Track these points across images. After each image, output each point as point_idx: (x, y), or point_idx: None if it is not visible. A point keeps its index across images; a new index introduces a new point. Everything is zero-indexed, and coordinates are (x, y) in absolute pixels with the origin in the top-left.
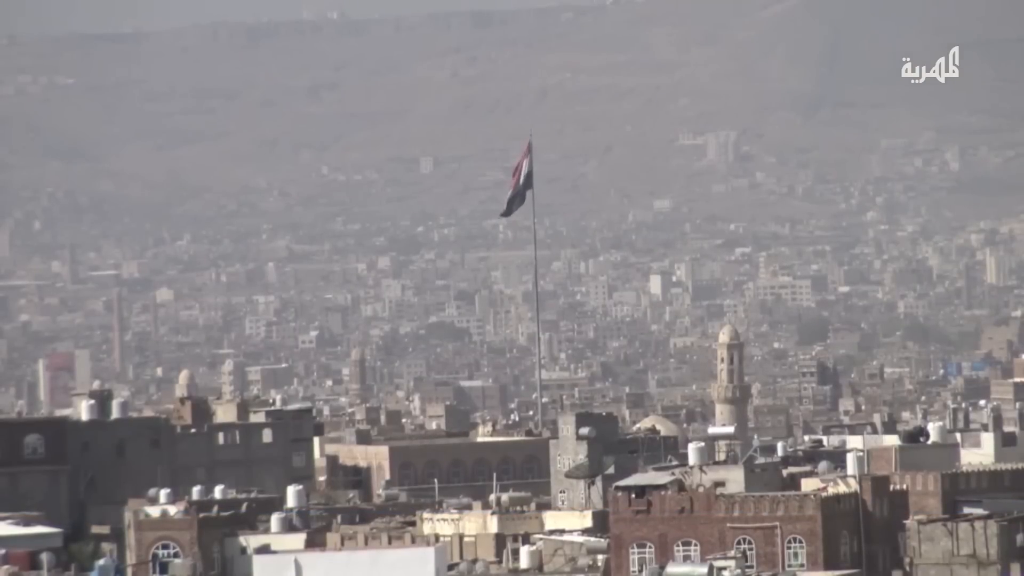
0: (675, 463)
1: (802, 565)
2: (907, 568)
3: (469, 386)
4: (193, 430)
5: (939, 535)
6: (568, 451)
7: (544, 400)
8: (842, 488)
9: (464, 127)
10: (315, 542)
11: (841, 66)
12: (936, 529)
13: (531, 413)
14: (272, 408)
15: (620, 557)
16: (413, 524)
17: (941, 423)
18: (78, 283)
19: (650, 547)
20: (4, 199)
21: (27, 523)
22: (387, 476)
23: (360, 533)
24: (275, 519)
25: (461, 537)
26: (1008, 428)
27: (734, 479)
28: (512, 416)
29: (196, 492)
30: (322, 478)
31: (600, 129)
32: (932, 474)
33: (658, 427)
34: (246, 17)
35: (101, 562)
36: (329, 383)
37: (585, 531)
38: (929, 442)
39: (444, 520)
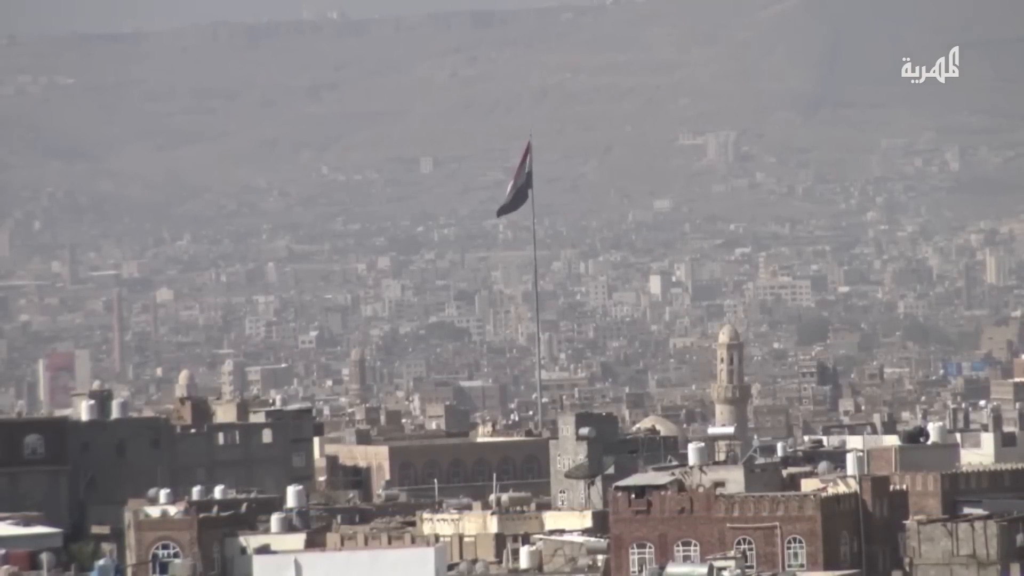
0: (675, 463)
1: (802, 565)
2: (907, 568)
3: (469, 386)
4: (193, 430)
5: (939, 535)
6: (568, 451)
7: (544, 400)
8: (842, 488)
9: (464, 127)
10: (315, 542)
11: (841, 66)
12: (936, 529)
13: (531, 413)
14: (272, 408)
15: (620, 557)
16: (413, 524)
17: (941, 423)
18: (78, 283)
19: (650, 547)
20: (4, 199)
21: (27, 523)
22: (387, 476)
23: (360, 533)
24: (275, 519)
25: (461, 537)
26: (1008, 428)
27: (734, 479)
28: (512, 416)
29: (196, 492)
30: (322, 478)
31: (600, 129)
32: (932, 474)
33: (658, 427)
34: (246, 17)
35: (101, 562)
36: (329, 383)
37: (585, 531)
38: (929, 442)
39: (444, 520)
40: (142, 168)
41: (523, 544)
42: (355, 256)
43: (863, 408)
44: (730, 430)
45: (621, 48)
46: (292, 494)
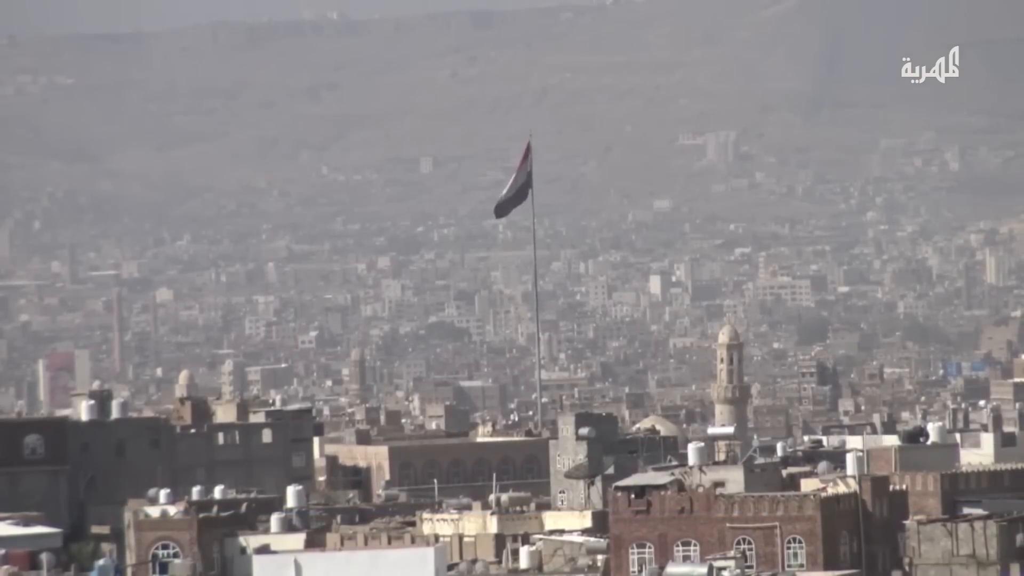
0: (675, 463)
1: (802, 565)
2: (907, 568)
3: (469, 386)
4: (193, 430)
5: (939, 535)
6: (568, 451)
7: (544, 400)
8: (842, 488)
9: (464, 127)
10: (315, 542)
11: (841, 66)
12: (936, 529)
13: (531, 413)
14: (272, 408)
15: (620, 557)
16: (413, 524)
17: (941, 423)
18: (78, 283)
19: (650, 547)
20: (4, 199)
21: (27, 523)
22: (387, 476)
23: (360, 533)
24: (275, 519)
25: (461, 537)
26: (1008, 428)
27: (734, 479)
28: (512, 416)
29: (196, 492)
30: (322, 478)
31: (600, 129)
32: (932, 474)
33: (658, 427)
34: (246, 17)
35: (101, 562)
36: (329, 383)
37: (585, 531)
38: (929, 442)
39: (444, 520)
40: (142, 168)
41: (523, 544)
42: (355, 256)
43: (863, 408)
44: (730, 430)
45: (621, 48)
46: (292, 494)
